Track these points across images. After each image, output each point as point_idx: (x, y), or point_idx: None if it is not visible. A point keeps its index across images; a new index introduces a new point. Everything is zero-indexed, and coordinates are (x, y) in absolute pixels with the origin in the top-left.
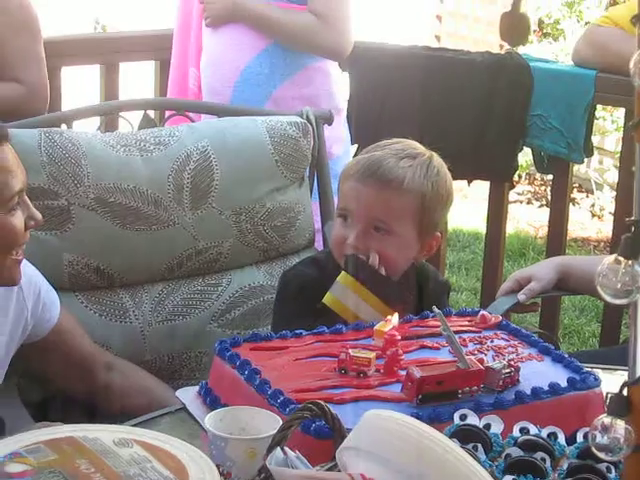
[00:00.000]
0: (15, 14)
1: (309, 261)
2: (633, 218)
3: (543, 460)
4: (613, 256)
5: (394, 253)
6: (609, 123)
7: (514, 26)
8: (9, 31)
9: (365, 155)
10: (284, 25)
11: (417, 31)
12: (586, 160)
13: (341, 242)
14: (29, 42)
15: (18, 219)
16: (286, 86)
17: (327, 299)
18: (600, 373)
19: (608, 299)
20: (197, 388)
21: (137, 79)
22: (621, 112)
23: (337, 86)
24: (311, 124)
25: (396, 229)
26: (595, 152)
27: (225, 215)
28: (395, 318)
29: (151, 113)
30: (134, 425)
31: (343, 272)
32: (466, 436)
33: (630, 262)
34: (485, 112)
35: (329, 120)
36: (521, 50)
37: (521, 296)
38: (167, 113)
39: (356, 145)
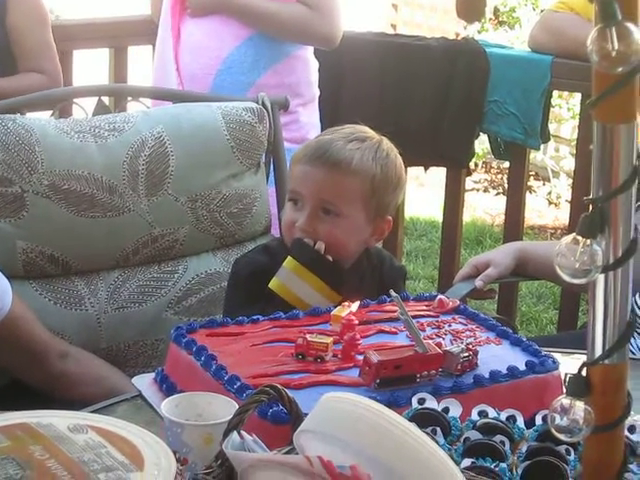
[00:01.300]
0: (31, 8)
1: (261, 248)
2: (591, 197)
3: (502, 443)
4: (571, 236)
5: (344, 236)
6: (565, 111)
7: (470, 2)
8: (28, 24)
9: (314, 139)
10: (273, 16)
11: (373, 19)
12: (542, 147)
13: (291, 226)
14: (45, 33)
15: None
16: (269, 75)
17: (273, 284)
18: (558, 356)
19: (567, 279)
20: (153, 375)
21: (91, 66)
22: (576, 100)
23: (315, 74)
24: (267, 110)
25: (345, 211)
26: (551, 140)
27: (181, 202)
28: (355, 305)
29: (105, 100)
30: (90, 412)
31: (289, 257)
32: (424, 420)
33: (588, 241)
34: (442, 98)
35: (284, 106)
36: (477, 37)
37: (478, 282)
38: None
39: None
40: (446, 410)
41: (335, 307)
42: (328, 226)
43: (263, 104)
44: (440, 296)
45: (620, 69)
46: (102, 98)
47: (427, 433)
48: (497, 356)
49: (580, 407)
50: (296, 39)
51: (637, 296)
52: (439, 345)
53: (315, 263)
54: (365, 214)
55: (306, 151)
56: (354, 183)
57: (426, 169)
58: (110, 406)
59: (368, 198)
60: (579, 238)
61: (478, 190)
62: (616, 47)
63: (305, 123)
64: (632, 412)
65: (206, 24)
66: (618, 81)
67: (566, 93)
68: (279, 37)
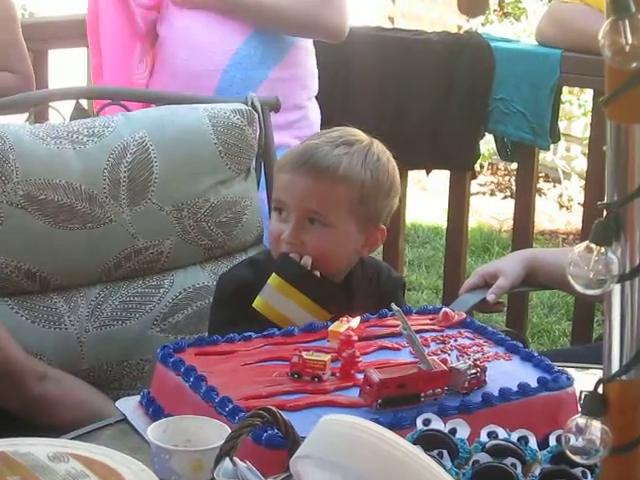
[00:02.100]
0: (1, 7)
1: (247, 262)
2: (605, 202)
3: (514, 466)
4: (584, 243)
5: (332, 248)
6: (576, 107)
7: None
8: None
9: (299, 144)
10: (282, 11)
11: (368, 12)
12: (552, 147)
13: (277, 239)
14: (16, 32)
15: None
16: (279, 67)
17: (257, 303)
18: (573, 372)
19: (580, 290)
20: (138, 398)
21: (68, 67)
22: (588, 95)
23: (315, 63)
24: (257, 111)
25: (333, 221)
26: (562, 139)
27: (166, 211)
28: (355, 320)
29: (84, 103)
30: (71, 439)
31: (274, 273)
32: (430, 442)
33: (603, 249)
34: (444, 97)
35: (275, 107)
36: (481, 30)
37: (490, 295)
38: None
39: None
40: (453, 431)
41: (332, 322)
42: (315, 238)
43: (252, 105)
44: (445, 309)
45: (634, 64)
46: (80, 101)
47: (433, 456)
48: (507, 372)
49: (597, 427)
50: (305, 32)
51: None
52: (444, 362)
53: (300, 280)
54: (355, 223)
55: (290, 157)
56: (342, 191)
57: (428, 172)
58: (93, 432)
59: (357, 206)
60: (593, 246)
61: (484, 194)
62: (630, 41)
63: (314, 121)
64: None
65: (208, 17)
66: (633, 77)
67: (577, 89)
68: (287, 32)
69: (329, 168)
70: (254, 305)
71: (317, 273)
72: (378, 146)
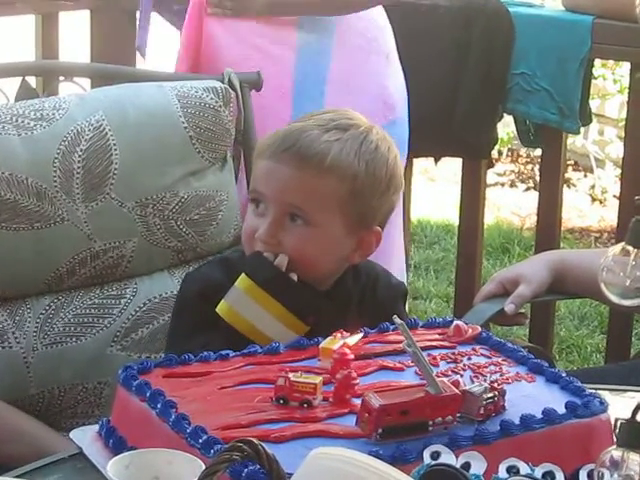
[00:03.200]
0: None
1: (217, 261)
2: None
3: None
4: (620, 245)
5: (314, 250)
6: (610, 83)
7: None
8: None
9: (284, 127)
10: None
11: None
12: (583, 130)
13: (251, 235)
14: None
15: None
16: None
17: (220, 308)
18: (607, 395)
19: (614, 300)
20: (96, 428)
21: (13, 38)
22: (625, 68)
23: None
24: (234, 90)
25: (317, 219)
26: (594, 120)
27: (127, 208)
28: (353, 338)
29: (31, 81)
30: (17, 476)
31: (243, 274)
32: (440, 479)
33: None
34: (455, 72)
35: (257, 84)
36: None
37: (509, 305)
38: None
39: None
40: (466, 466)
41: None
42: (295, 237)
43: (230, 83)
44: (457, 321)
45: None
46: (27, 78)
47: None
48: (529, 396)
49: (634, 460)
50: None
51: None
52: (456, 384)
53: (273, 282)
54: (344, 224)
55: (271, 141)
56: (329, 184)
57: (437, 160)
58: (42, 468)
59: (348, 203)
60: (630, 248)
61: (503, 185)
62: None
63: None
64: None
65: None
66: None
67: (611, 62)
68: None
69: (316, 156)
70: (217, 310)
71: (294, 276)
72: (378, 133)
